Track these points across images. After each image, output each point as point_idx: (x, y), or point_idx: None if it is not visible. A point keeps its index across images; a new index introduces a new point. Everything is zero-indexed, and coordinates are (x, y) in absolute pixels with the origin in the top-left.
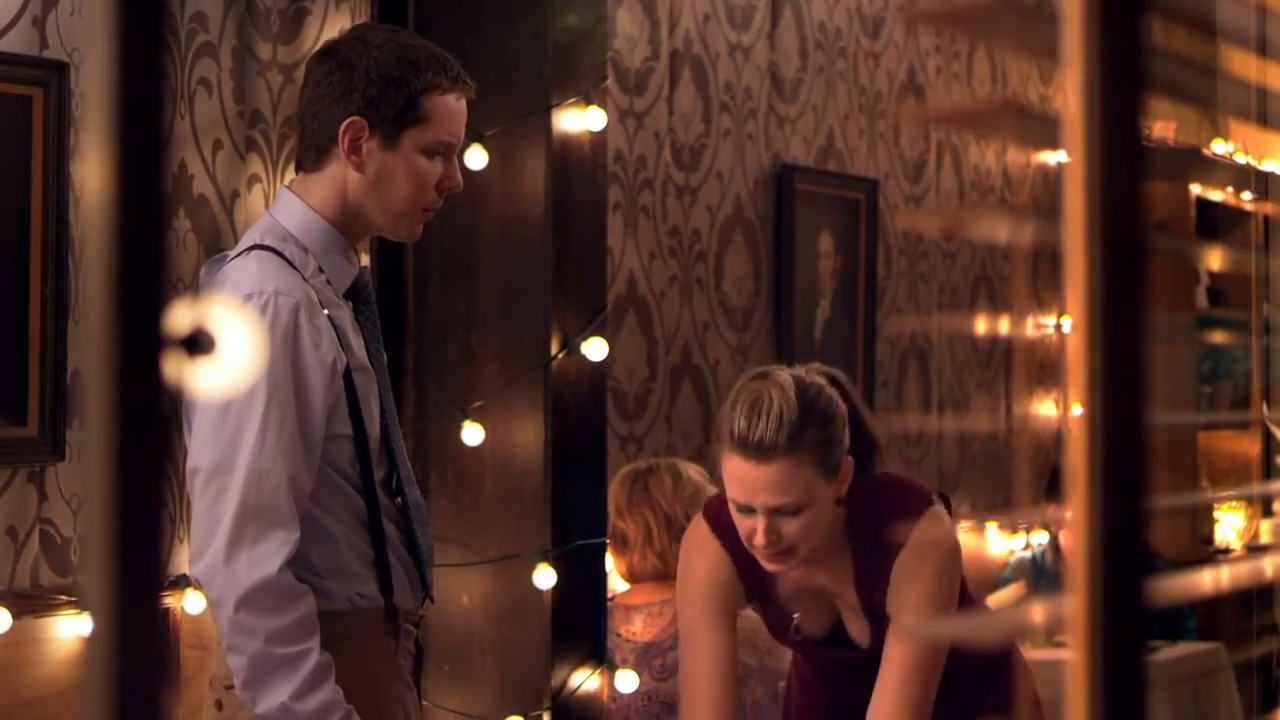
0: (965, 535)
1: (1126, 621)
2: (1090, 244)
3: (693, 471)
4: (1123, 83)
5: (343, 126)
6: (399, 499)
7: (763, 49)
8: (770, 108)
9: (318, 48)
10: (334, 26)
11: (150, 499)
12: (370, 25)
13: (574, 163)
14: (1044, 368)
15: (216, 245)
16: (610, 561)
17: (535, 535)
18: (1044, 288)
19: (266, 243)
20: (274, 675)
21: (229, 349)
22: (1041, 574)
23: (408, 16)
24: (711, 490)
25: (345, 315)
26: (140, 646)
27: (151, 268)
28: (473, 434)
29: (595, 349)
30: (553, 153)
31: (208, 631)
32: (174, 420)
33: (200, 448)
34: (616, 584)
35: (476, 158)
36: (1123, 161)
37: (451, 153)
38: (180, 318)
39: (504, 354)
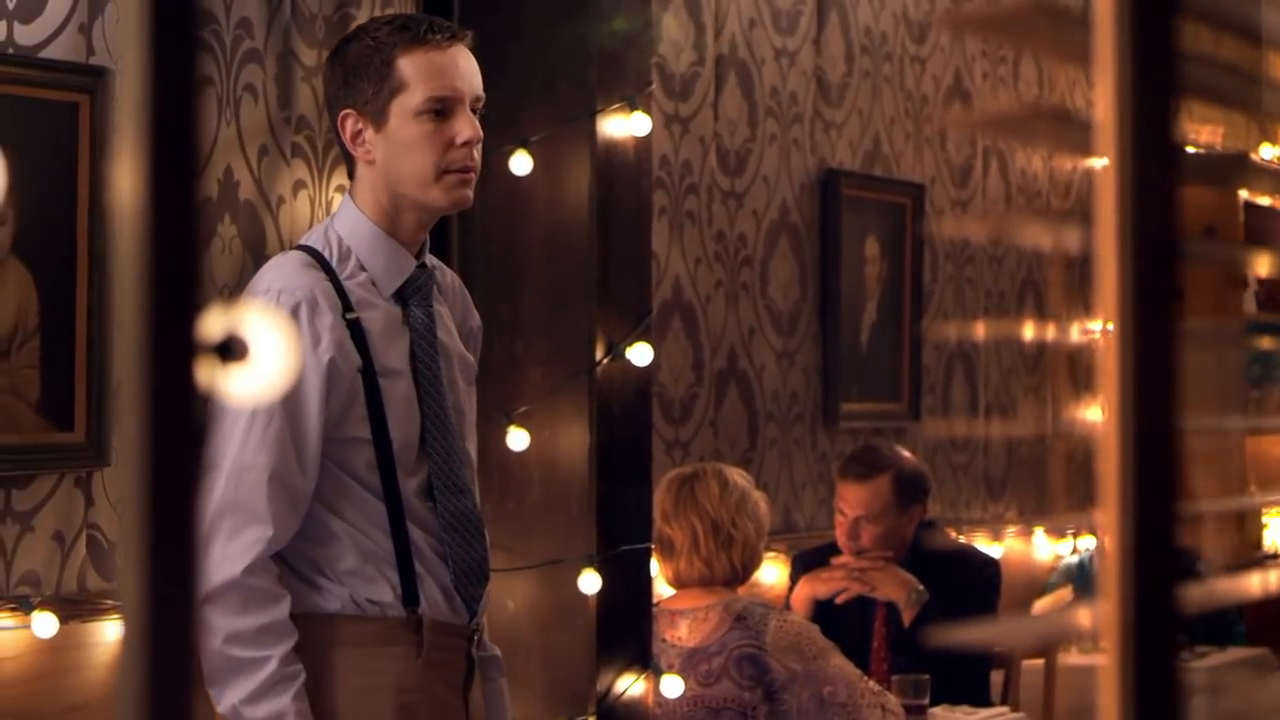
0: (1013, 540)
1: (1159, 627)
2: (1122, 249)
3: (738, 477)
4: (1154, 87)
5: (339, 125)
6: (438, 508)
7: (808, 54)
8: (816, 113)
9: None
10: None
11: (184, 504)
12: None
13: (619, 168)
14: (1089, 373)
15: (261, 251)
16: (656, 567)
17: (580, 540)
18: (1089, 293)
19: (308, 243)
20: (230, 676)
21: (258, 355)
22: (1088, 579)
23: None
24: (757, 495)
25: (382, 316)
26: (172, 650)
27: (185, 274)
28: (518, 439)
29: (640, 354)
30: (597, 158)
31: None
32: (208, 426)
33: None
34: (662, 589)
35: (521, 163)
36: (1155, 166)
37: (453, 106)
38: (215, 324)
39: (549, 359)
